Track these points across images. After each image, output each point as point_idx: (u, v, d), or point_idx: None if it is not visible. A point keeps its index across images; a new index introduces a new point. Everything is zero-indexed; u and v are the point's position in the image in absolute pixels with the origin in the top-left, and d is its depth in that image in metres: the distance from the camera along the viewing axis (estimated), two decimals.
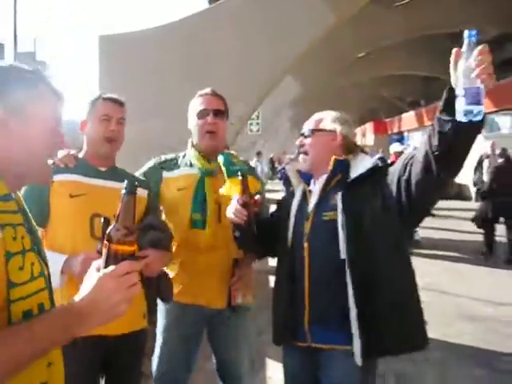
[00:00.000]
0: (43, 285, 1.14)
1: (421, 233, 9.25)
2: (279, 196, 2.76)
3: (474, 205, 10.63)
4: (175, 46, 5.41)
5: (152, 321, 2.44)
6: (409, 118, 24.72)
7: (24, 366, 1.01)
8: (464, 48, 1.58)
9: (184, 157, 2.61)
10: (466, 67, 1.54)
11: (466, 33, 1.59)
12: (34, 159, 1.21)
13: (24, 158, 1.18)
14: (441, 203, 9.66)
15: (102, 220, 1.94)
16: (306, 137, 2.23)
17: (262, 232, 2.23)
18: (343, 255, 1.96)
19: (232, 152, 2.63)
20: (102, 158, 2.27)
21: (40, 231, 2.13)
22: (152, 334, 2.72)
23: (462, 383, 3.96)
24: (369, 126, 28.88)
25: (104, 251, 1.09)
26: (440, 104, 1.68)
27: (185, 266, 2.52)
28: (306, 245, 2.09)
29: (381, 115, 29.51)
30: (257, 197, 2.11)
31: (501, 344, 4.61)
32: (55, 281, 1.97)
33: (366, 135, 29.26)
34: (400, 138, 25.20)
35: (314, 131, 2.22)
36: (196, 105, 2.56)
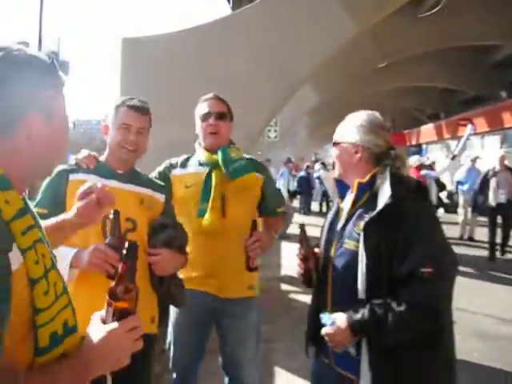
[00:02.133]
0: (66, 301, 1.12)
1: None
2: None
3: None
4: (195, 52, 5.45)
5: (162, 325, 2.48)
6: (428, 130, 24.55)
7: None
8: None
9: (192, 157, 2.77)
10: None
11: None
12: (52, 161, 1.17)
13: (48, 161, 1.15)
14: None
15: (112, 212, 1.96)
16: (334, 145, 2.12)
17: None
18: (361, 295, 1.85)
19: (231, 146, 2.73)
20: (122, 163, 2.29)
21: None
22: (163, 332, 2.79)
23: None
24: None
25: (108, 308, 1.15)
26: None
27: (191, 254, 2.58)
28: (330, 268, 2.02)
29: (399, 126, 29.34)
30: (316, 250, 2.11)
31: None
32: (64, 274, 2.02)
33: None
34: (418, 150, 25.01)
35: (336, 143, 2.10)
36: (200, 109, 2.73)
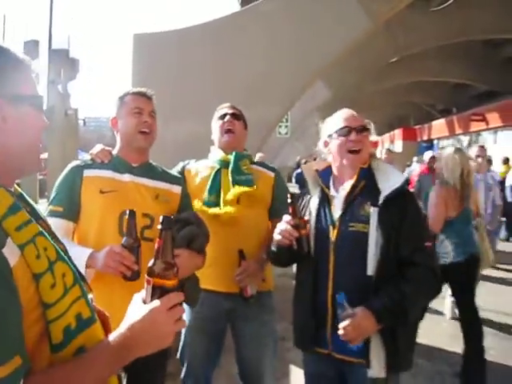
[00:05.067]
0: (78, 293, 1.08)
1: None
2: None
3: None
4: (208, 47, 5.40)
5: None
6: (439, 125, 24.34)
7: None
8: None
9: (206, 158, 2.80)
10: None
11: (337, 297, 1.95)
12: (32, 149, 1.11)
13: (23, 150, 1.08)
14: None
15: (128, 212, 1.92)
16: (364, 134, 2.16)
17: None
18: (370, 272, 1.96)
19: (246, 153, 2.75)
20: (137, 153, 2.25)
21: (72, 225, 2.15)
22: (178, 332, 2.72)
23: None
24: (397, 133, 28.51)
25: (147, 287, 1.11)
26: None
27: None
28: (331, 255, 2.07)
29: (410, 122, 29.14)
30: (306, 218, 2.17)
31: None
32: None
33: (394, 141, 28.91)
34: (429, 146, 24.81)
35: (367, 130, 2.19)
36: (216, 115, 2.77)
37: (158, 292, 1.09)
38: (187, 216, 2.22)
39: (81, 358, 1.02)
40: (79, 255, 1.95)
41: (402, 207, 2.02)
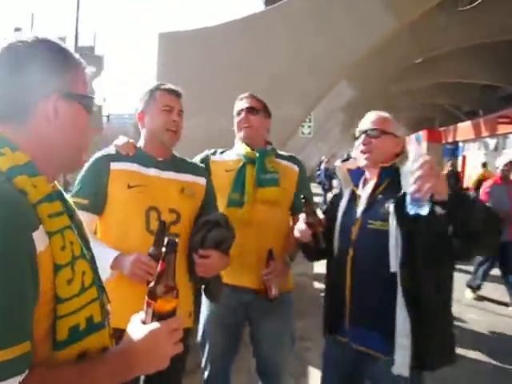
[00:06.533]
0: (95, 295, 1.08)
1: None
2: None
3: None
4: (232, 47, 5.43)
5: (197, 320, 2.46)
6: (465, 127, 23.94)
7: None
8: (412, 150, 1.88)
9: (231, 149, 2.80)
10: (411, 172, 1.75)
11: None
12: (75, 149, 1.14)
13: (66, 147, 1.11)
14: None
15: (159, 223, 1.93)
16: (372, 136, 2.18)
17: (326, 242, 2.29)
18: (394, 269, 1.95)
19: (271, 148, 2.74)
20: (162, 148, 2.25)
21: (96, 218, 2.15)
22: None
23: None
24: (422, 134, 28.15)
25: (147, 309, 1.11)
26: None
27: None
28: (351, 251, 2.13)
29: (435, 123, 28.74)
30: (321, 217, 2.27)
31: None
32: (104, 273, 1.99)
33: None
34: (454, 148, 24.45)
35: (383, 132, 2.18)
36: (235, 107, 2.76)
37: (158, 314, 1.10)
38: (217, 217, 2.23)
39: (85, 365, 1.02)
40: (105, 256, 1.96)
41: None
